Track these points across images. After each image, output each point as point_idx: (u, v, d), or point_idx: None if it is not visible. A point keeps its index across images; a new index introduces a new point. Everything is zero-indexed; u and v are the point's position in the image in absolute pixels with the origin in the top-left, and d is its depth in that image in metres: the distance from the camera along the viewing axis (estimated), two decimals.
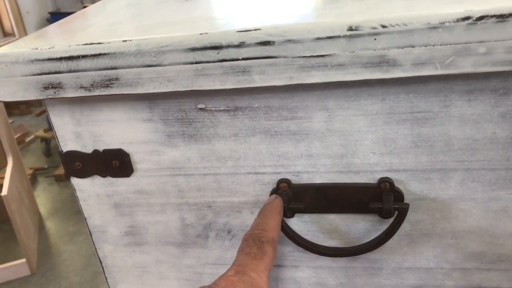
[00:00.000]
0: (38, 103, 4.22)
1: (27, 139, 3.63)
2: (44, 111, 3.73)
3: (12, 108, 4.01)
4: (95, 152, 0.45)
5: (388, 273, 0.45)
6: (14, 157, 2.50)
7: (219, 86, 0.36)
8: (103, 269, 0.52)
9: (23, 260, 2.25)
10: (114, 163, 0.45)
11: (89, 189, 0.47)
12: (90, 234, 0.50)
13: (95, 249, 0.50)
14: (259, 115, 0.40)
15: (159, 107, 0.41)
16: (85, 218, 0.49)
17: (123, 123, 0.43)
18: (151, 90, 0.37)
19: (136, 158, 0.44)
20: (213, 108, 0.41)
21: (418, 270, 0.44)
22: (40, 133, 3.41)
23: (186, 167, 0.44)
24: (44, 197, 3.03)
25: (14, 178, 2.37)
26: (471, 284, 0.44)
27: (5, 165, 2.47)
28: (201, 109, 0.41)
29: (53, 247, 2.52)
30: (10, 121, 2.67)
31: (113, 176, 0.46)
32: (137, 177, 0.45)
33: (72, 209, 2.83)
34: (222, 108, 0.41)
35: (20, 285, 2.21)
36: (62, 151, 0.45)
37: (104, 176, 0.46)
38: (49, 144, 3.43)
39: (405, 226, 0.42)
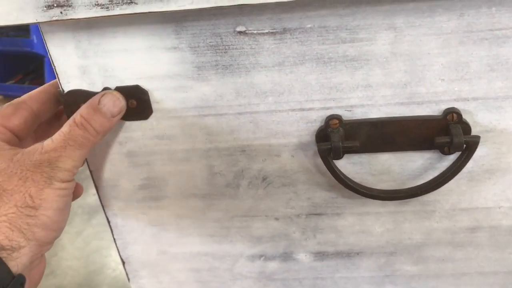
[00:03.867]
0: None
1: None
2: None
3: None
4: (106, 90, 0.37)
5: (441, 216, 0.41)
6: None
7: None
8: (111, 230, 0.45)
9: None
10: (130, 103, 0.37)
11: None
12: (97, 190, 0.42)
13: (103, 207, 0.43)
14: (311, 38, 0.34)
15: (188, 31, 0.34)
16: (91, 172, 0.41)
17: (142, 53, 0.35)
18: (188, 6, 0.30)
19: (157, 96, 0.37)
20: (255, 31, 0.34)
21: (474, 210, 0.41)
22: None
23: (217, 105, 0.37)
24: None
25: None
26: None
27: None
28: (240, 32, 0.34)
29: None
30: None
31: (128, 120, 0.38)
32: (156, 119, 0.38)
33: None
34: (266, 31, 0.34)
35: None
36: (63, 90, 0.37)
37: None
38: None
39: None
